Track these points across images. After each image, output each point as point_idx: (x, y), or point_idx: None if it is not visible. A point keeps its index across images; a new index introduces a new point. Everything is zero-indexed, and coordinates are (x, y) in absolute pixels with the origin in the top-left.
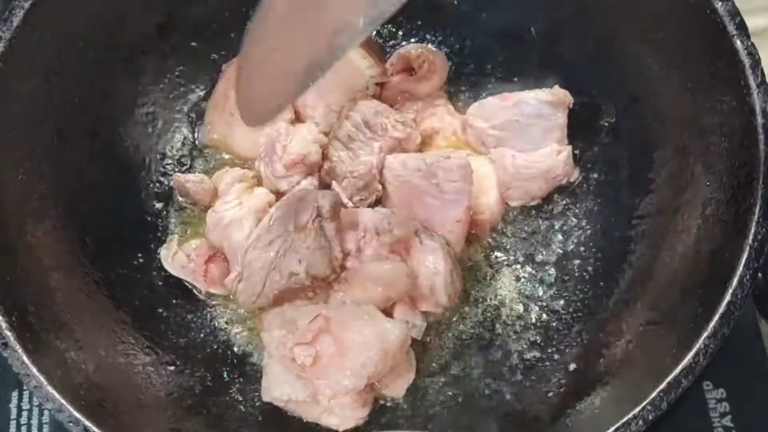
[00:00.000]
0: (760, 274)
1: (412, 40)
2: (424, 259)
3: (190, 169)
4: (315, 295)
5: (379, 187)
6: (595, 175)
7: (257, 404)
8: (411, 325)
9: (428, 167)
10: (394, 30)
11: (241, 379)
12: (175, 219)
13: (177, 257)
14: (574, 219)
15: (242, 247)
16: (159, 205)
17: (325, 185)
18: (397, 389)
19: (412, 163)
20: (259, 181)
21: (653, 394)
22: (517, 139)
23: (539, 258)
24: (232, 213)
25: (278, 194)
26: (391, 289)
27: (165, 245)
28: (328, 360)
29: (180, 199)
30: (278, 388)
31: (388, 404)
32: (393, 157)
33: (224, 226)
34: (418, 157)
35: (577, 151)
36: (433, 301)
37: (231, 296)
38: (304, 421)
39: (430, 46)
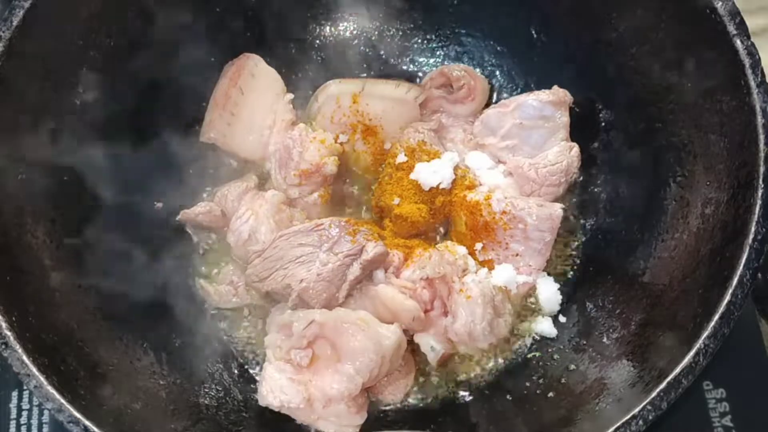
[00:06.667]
0: (760, 274)
1: (416, 40)
2: (463, 305)
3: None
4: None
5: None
6: (595, 174)
7: (257, 407)
8: (431, 347)
9: (518, 212)
10: (394, 31)
11: (241, 381)
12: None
13: (220, 291)
14: (572, 218)
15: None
16: (159, 205)
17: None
18: (395, 393)
19: (498, 206)
20: (262, 182)
21: (653, 394)
22: (526, 144)
23: None
24: (247, 226)
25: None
26: (396, 318)
27: (201, 290)
28: (324, 361)
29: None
30: (273, 393)
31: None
32: (473, 194)
33: (245, 240)
34: (504, 200)
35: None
36: (472, 346)
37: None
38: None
39: (477, 71)
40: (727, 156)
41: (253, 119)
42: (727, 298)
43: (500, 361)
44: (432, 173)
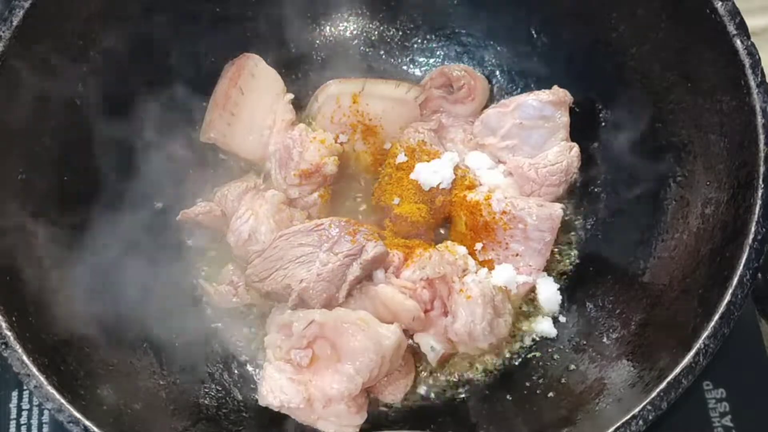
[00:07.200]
0: (760, 274)
1: (416, 40)
2: (463, 305)
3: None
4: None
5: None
6: (596, 174)
7: (257, 407)
8: (431, 347)
9: (518, 212)
10: (394, 31)
11: (241, 381)
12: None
13: (221, 292)
14: (572, 218)
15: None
16: (159, 205)
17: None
18: (395, 393)
19: (498, 206)
20: (262, 182)
21: (653, 394)
22: (526, 144)
23: None
24: (247, 226)
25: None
26: (396, 318)
27: (201, 290)
28: (324, 361)
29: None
30: (273, 393)
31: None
32: (473, 194)
33: (245, 240)
34: (504, 200)
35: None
36: (472, 346)
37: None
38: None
39: (477, 71)
40: (727, 156)
41: (253, 119)
42: (727, 298)
43: (500, 361)
44: (432, 173)
